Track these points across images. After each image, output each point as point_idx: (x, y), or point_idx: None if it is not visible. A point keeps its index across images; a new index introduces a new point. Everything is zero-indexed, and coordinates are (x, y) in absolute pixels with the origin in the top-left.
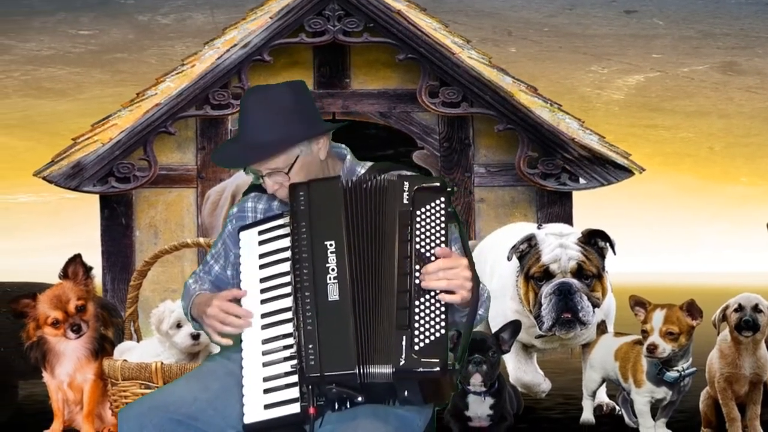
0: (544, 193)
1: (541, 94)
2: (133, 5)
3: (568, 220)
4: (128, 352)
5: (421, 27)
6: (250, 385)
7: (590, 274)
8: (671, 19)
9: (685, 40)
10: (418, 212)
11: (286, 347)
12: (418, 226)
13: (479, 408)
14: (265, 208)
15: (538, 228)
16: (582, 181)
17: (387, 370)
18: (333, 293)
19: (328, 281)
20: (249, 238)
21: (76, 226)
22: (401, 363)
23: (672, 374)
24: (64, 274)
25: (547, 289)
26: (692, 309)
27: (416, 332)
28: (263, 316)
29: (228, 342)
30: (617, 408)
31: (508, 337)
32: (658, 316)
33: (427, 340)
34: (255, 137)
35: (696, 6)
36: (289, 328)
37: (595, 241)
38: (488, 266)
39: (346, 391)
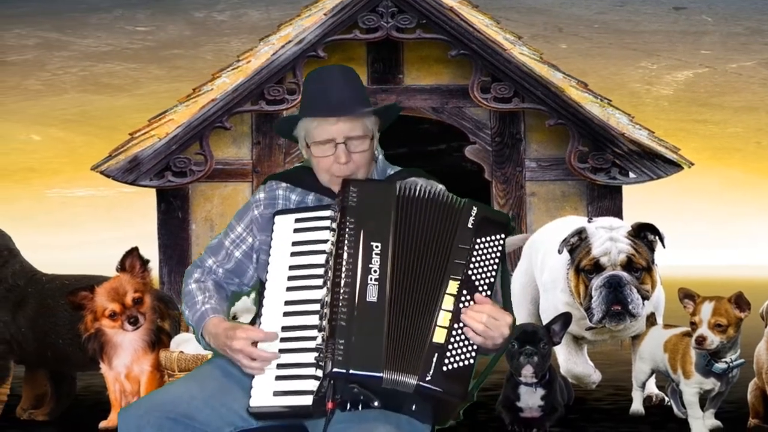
0: (594, 187)
1: (591, 90)
2: (190, 2)
3: (618, 213)
4: (184, 344)
5: (473, 23)
6: None
7: (640, 266)
8: (720, 15)
9: (733, 36)
10: (479, 240)
11: (307, 338)
12: (475, 253)
13: (530, 399)
14: (299, 200)
15: (589, 221)
16: (632, 175)
17: (411, 380)
18: (372, 294)
19: (369, 281)
20: (284, 224)
21: (133, 220)
22: (427, 378)
23: (720, 366)
24: (122, 267)
25: (597, 281)
26: (740, 301)
27: (448, 353)
28: (287, 303)
29: (258, 373)
30: (666, 399)
31: (558, 329)
32: (706, 309)
33: (456, 365)
34: (342, 98)
35: (744, 3)
36: (313, 319)
37: (644, 234)
38: (539, 259)
39: (366, 393)
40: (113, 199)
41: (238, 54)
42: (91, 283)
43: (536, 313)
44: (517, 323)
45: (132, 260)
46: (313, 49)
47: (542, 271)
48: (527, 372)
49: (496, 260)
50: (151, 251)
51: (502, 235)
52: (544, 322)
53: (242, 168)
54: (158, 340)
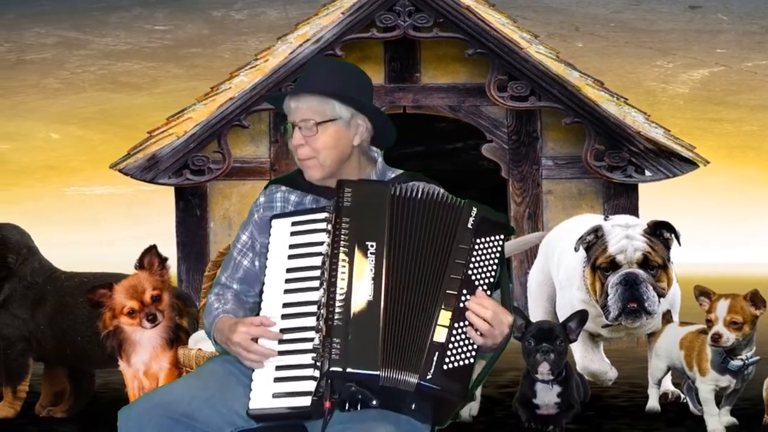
0: (610, 185)
1: (607, 88)
2: (208, 1)
3: (634, 211)
4: (203, 342)
5: (489, 22)
6: (261, 372)
7: (656, 264)
8: (735, 14)
9: (748, 35)
10: (479, 240)
11: (305, 340)
12: (475, 253)
13: (547, 396)
14: (297, 201)
15: (605, 219)
16: (648, 173)
17: (412, 379)
18: (367, 293)
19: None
20: (281, 228)
21: (152, 218)
22: (428, 377)
23: (736, 363)
24: (140, 265)
25: (613, 279)
26: (756, 299)
27: (449, 352)
28: (284, 305)
29: (258, 366)
30: (682, 396)
31: (575, 326)
32: (722, 306)
33: (457, 364)
34: (307, 81)
35: (760, 1)
36: (311, 321)
37: (660, 232)
38: (555, 257)
39: (363, 392)
40: (132, 197)
41: (256, 53)
42: (109, 280)
43: (552, 311)
44: (534, 320)
45: (150, 258)
46: (331, 48)
47: (558, 269)
48: (544, 369)
49: (496, 261)
50: (169, 249)
51: (502, 236)
52: (561, 320)
53: (260, 166)
54: (177, 338)
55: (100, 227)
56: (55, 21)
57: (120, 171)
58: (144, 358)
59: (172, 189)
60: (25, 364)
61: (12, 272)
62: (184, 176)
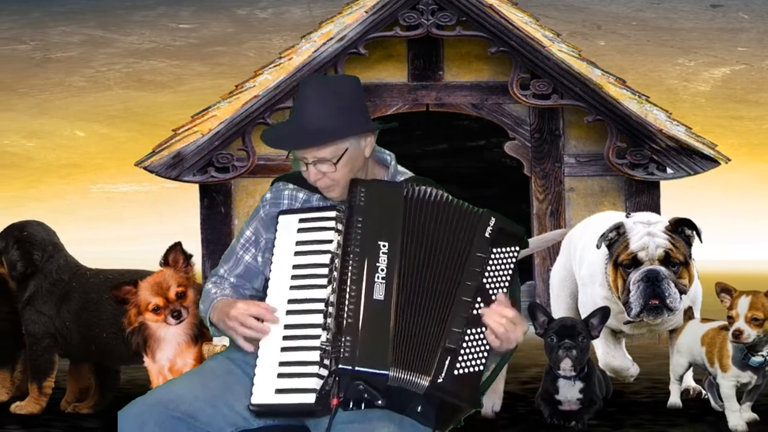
0: (632, 183)
1: (629, 87)
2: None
3: (655, 209)
4: (227, 338)
5: (512, 21)
6: (264, 367)
7: (677, 261)
8: (756, 13)
9: None
10: (495, 250)
11: (310, 337)
12: (491, 262)
13: (569, 392)
14: (305, 199)
15: (627, 217)
16: (669, 170)
17: (423, 381)
18: (379, 292)
19: (376, 280)
20: (288, 224)
21: (176, 215)
22: (439, 380)
23: (757, 359)
24: (165, 262)
25: (635, 276)
26: None
27: (460, 357)
28: (290, 302)
29: (252, 349)
30: (704, 392)
31: (597, 322)
32: (743, 303)
33: (468, 370)
34: (310, 122)
35: None
36: (316, 318)
37: (682, 229)
38: (578, 254)
39: (370, 391)
40: (156, 194)
41: (280, 51)
42: (134, 277)
43: (575, 307)
44: (556, 317)
45: (175, 255)
46: (354, 47)
47: (581, 266)
48: (566, 365)
49: (510, 272)
50: (194, 246)
51: (517, 248)
52: (583, 316)
53: (284, 163)
54: (201, 334)
55: (125, 224)
56: (81, 19)
57: (145, 168)
58: (169, 355)
59: (196, 186)
60: (51, 360)
61: (38, 269)
62: (208, 174)
